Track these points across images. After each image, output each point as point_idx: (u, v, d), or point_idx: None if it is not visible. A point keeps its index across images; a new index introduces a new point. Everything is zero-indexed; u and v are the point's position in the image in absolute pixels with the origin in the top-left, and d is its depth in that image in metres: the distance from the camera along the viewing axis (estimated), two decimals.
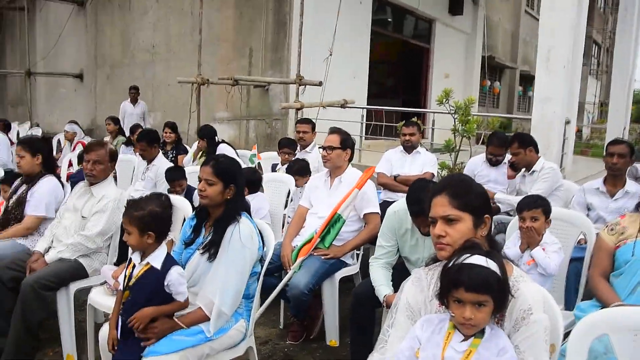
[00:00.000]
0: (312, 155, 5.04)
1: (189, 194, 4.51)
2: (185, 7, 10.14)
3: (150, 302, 2.27)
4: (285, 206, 4.35)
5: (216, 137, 6.05)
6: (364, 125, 8.54)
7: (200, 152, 6.00)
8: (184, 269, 2.43)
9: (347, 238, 3.47)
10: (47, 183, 3.64)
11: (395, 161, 5.00)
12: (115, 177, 5.78)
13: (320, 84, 7.15)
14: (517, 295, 1.60)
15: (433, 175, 4.85)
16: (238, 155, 5.82)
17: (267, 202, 4.08)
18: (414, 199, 2.62)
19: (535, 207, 2.92)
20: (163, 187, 4.83)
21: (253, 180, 4.06)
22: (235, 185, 2.53)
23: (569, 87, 6.22)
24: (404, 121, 5.60)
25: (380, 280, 2.79)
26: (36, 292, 3.01)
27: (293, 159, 5.05)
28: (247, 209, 2.61)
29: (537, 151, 4.35)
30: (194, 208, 3.78)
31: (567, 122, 6.70)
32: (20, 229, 3.56)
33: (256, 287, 2.60)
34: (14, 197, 3.71)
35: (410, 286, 1.80)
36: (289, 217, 4.22)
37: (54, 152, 8.29)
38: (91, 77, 12.60)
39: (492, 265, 1.56)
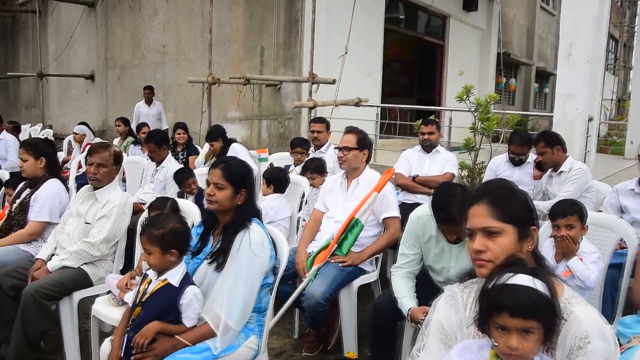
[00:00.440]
0: (327, 156, 4.83)
1: (199, 197, 4.34)
2: (195, 7, 10.01)
3: (160, 320, 2.14)
4: (300, 209, 4.16)
5: (227, 135, 5.83)
6: (379, 124, 8.35)
7: (212, 155, 5.75)
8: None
9: (366, 244, 3.27)
10: (51, 187, 3.49)
11: (414, 161, 4.78)
12: (124, 179, 5.66)
13: (333, 81, 6.95)
14: (570, 320, 1.38)
15: (454, 175, 4.64)
16: (251, 156, 5.65)
17: (289, 206, 3.89)
18: (441, 204, 2.42)
19: (571, 213, 2.65)
20: (173, 190, 4.66)
21: (280, 179, 3.89)
22: (247, 190, 2.35)
23: (591, 83, 5.97)
24: (421, 119, 5.40)
25: (403, 291, 2.59)
26: (37, 302, 2.86)
27: (307, 158, 4.87)
28: (258, 214, 2.42)
29: (564, 150, 4.12)
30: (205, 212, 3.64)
31: (590, 119, 6.44)
32: (23, 235, 3.42)
33: (269, 300, 2.41)
34: (17, 202, 3.57)
35: (444, 305, 1.60)
36: (303, 220, 4.03)
37: (65, 154, 8.20)
38: (102, 78, 12.56)
39: (540, 286, 1.35)
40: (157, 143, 4.90)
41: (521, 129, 6.08)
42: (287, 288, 3.08)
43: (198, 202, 4.31)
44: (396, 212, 3.29)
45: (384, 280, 3.54)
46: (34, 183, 3.54)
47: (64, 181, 3.72)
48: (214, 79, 8.32)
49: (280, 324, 3.47)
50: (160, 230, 2.17)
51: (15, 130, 8.63)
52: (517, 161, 4.57)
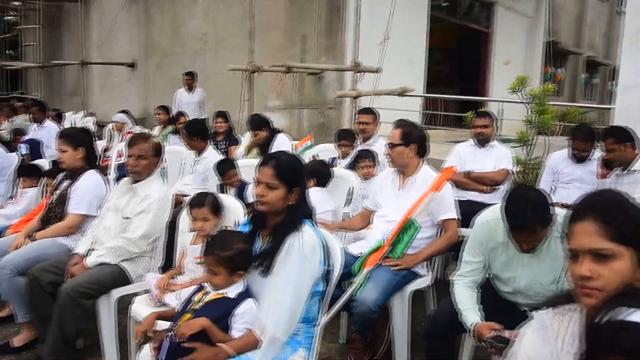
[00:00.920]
0: (376, 149, 4.56)
1: (240, 190, 4.17)
2: None
3: None
4: (345, 205, 3.94)
5: (271, 125, 5.56)
6: (423, 114, 8.06)
7: (255, 145, 5.49)
8: None
9: (419, 246, 3.01)
10: (89, 179, 3.36)
11: (466, 156, 4.50)
12: (164, 170, 5.54)
13: (378, 70, 6.69)
14: None
15: (510, 172, 4.35)
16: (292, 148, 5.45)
17: (332, 200, 3.68)
18: (515, 210, 2.15)
19: None
20: (213, 181, 4.51)
21: (323, 173, 3.69)
22: (299, 189, 2.14)
23: None
24: (472, 111, 5.11)
25: (467, 303, 2.33)
26: (74, 301, 2.74)
27: (353, 151, 4.65)
28: (310, 215, 2.21)
29: (634, 147, 3.78)
30: (246, 205, 3.45)
31: None
32: (62, 228, 3.31)
33: (318, 309, 2.21)
34: (56, 193, 3.46)
35: (532, 335, 1.36)
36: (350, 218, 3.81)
37: (106, 142, 8.17)
38: (143, 66, 12.59)
39: None
40: (189, 134, 4.74)
41: (587, 124, 5.66)
42: (335, 291, 2.87)
43: (239, 195, 4.15)
44: (455, 214, 3.03)
45: (439, 284, 3.29)
46: (73, 174, 3.42)
47: (103, 172, 3.59)
48: (255, 67, 8.15)
49: (325, 327, 3.25)
50: (228, 251, 2.07)
51: (58, 117, 8.67)
52: (579, 158, 4.24)
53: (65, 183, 3.44)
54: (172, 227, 3.16)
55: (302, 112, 8.99)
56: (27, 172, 4.44)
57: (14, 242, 3.29)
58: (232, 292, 2.09)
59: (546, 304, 1.42)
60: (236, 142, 6.32)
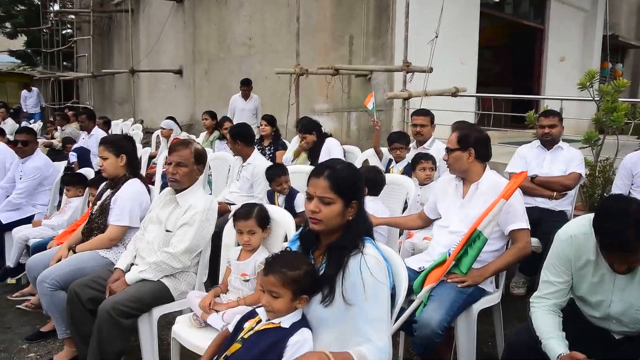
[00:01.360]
0: (432, 152, 4.25)
1: (290, 198, 3.95)
2: None
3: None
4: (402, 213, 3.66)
5: (322, 129, 5.33)
6: (475, 115, 7.68)
7: (303, 150, 5.27)
8: None
9: (486, 259, 2.69)
10: (131, 188, 3.22)
11: (532, 159, 4.13)
12: (209, 179, 5.39)
13: (430, 70, 6.36)
14: None
15: (580, 176, 3.97)
16: (345, 152, 5.21)
17: (386, 210, 3.42)
18: (610, 228, 1.80)
19: None
20: (260, 188, 4.32)
21: (375, 180, 3.43)
22: (358, 202, 1.88)
23: None
24: (531, 111, 4.76)
25: (549, 330, 2.01)
26: (113, 319, 2.58)
27: (408, 154, 4.38)
28: (370, 231, 1.94)
29: None
30: (295, 215, 3.22)
31: None
32: (104, 240, 3.18)
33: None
34: (98, 204, 3.33)
35: None
36: None
37: (153, 149, 8.16)
38: (190, 72, 12.65)
39: None
40: (232, 137, 4.57)
41: None
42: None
43: (288, 204, 3.94)
44: (525, 224, 2.69)
45: (503, 298, 2.97)
46: (115, 183, 3.29)
47: (145, 181, 3.44)
48: (302, 70, 7.96)
49: None
50: (296, 271, 1.81)
51: (105, 125, 8.72)
52: None
53: (107, 193, 3.31)
54: (217, 237, 2.98)
55: (350, 115, 8.73)
56: (72, 181, 4.37)
57: (56, 254, 3.19)
58: (286, 321, 1.83)
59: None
60: (283, 146, 6.13)
